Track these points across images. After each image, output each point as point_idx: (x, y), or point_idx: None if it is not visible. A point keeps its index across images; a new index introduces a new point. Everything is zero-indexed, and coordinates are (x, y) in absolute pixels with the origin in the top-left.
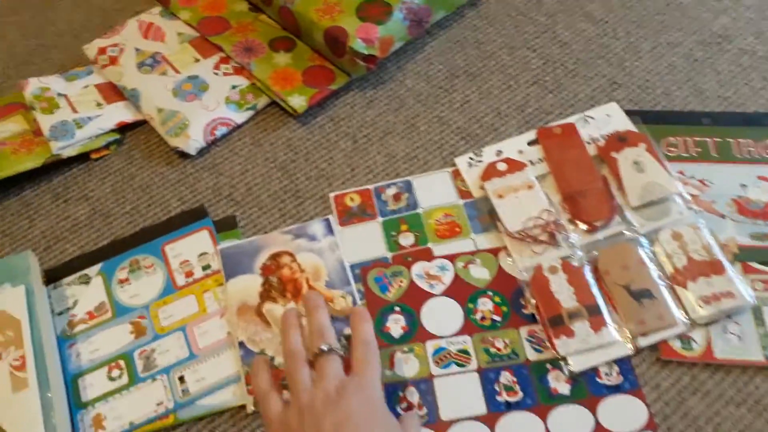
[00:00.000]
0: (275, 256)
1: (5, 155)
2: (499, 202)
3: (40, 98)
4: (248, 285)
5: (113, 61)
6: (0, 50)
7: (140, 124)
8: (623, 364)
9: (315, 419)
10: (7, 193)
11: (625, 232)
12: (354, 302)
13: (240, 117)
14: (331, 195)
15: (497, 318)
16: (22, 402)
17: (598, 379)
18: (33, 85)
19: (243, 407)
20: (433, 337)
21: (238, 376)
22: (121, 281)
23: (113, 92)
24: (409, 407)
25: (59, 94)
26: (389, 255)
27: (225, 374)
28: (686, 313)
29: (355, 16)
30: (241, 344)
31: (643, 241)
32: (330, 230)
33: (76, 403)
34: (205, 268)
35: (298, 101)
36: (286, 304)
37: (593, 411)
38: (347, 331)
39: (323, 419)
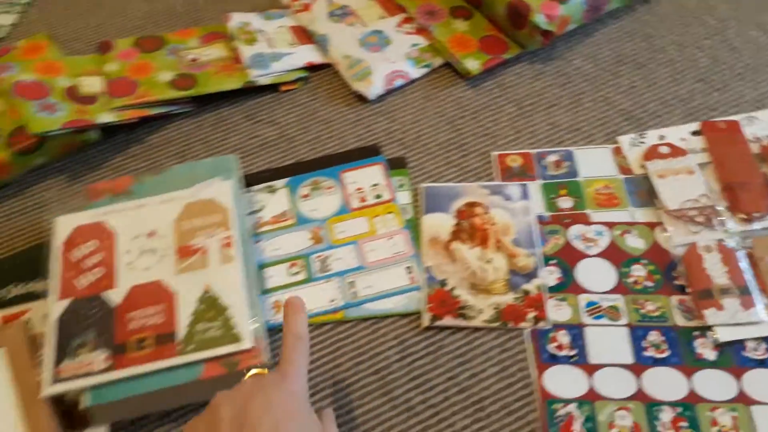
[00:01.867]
0: (471, 205)
1: (209, 74)
2: (660, 181)
3: (242, 31)
4: (442, 222)
5: (306, 7)
6: None
7: (325, 67)
8: None
9: (239, 406)
10: (206, 107)
11: None
12: (537, 265)
13: (416, 72)
14: (494, 153)
15: (649, 284)
16: (229, 272)
17: (744, 352)
18: (236, 19)
19: (405, 316)
20: (585, 291)
21: (404, 288)
22: (304, 196)
23: (303, 35)
24: (560, 348)
25: (258, 30)
26: (547, 214)
27: (390, 286)
28: None
29: None
30: (428, 269)
31: None
32: (525, 195)
33: (259, 290)
34: (377, 197)
35: (473, 64)
36: (472, 247)
37: (738, 378)
38: (524, 286)
39: (247, 405)
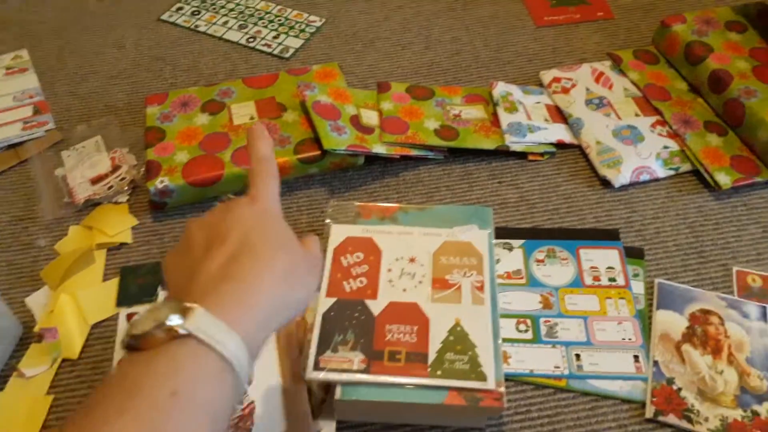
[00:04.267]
0: (706, 312)
1: (469, 131)
2: None
3: (504, 99)
4: (674, 321)
5: (565, 90)
6: (467, 52)
7: (572, 147)
8: None
9: (209, 226)
10: (456, 159)
11: None
12: None
13: (663, 172)
14: (735, 269)
15: None
16: (479, 312)
17: None
18: (500, 88)
19: (626, 402)
20: None
21: (630, 375)
22: (538, 261)
23: (558, 114)
24: None
25: (518, 101)
26: None
27: (615, 369)
28: None
29: None
30: (656, 363)
31: None
32: (764, 316)
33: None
34: (611, 279)
35: (724, 179)
36: (703, 354)
37: None
38: (755, 406)
39: (217, 224)
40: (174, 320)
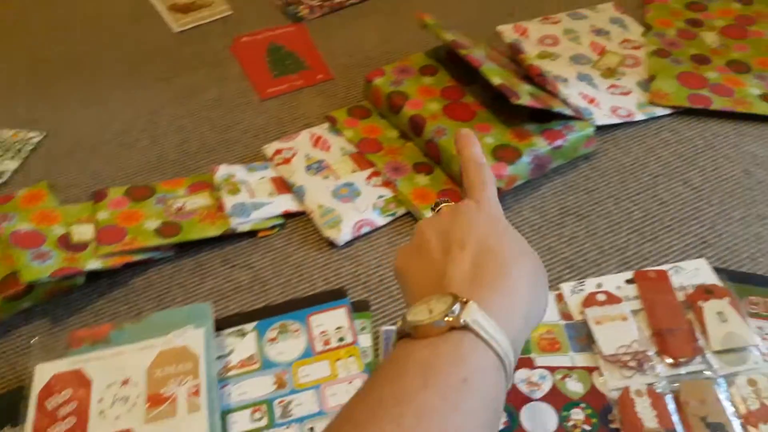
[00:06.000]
0: None
1: (193, 223)
2: (597, 327)
3: (227, 182)
4: None
5: (287, 161)
6: (194, 139)
7: (300, 215)
8: None
9: (442, 227)
10: (186, 252)
11: (705, 371)
12: None
13: (382, 220)
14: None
15: (587, 428)
16: (194, 422)
17: None
18: (222, 171)
19: None
20: None
21: None
22: (271, 340)
23: (283, 186)
24: None
25: (241, 181)
26: None
27: None
28: None
29: (491, 156)
30: None
31: (721, 381)
32: None
33: None
34: (340, 339)
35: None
36: None
37: None
38: None
39: (451, 227)
40: (456, 311)
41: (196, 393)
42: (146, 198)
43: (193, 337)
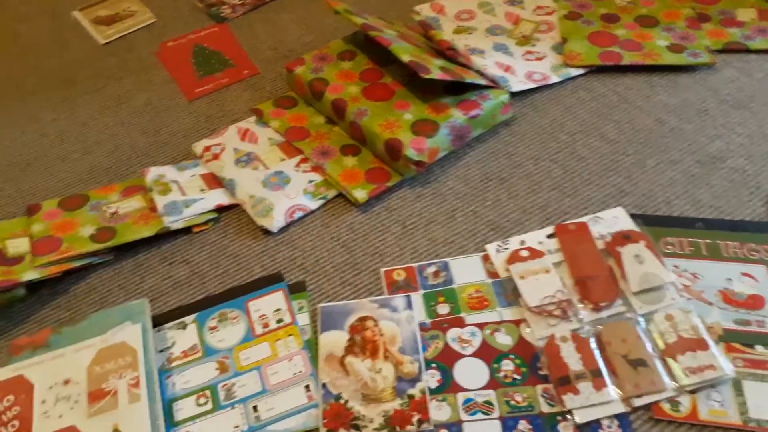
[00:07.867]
0: (362, 319)
1: (127, 225)
2: (522, 282)
3: (157, 183)
4: (337, 339)
5: (216, 156)
6: (125, 145)
7: (234, 207)
8: (623, 420)
9: None
10: (125, 255)
11: (625, 312)
12: (420, 369)
13: (313, 204)
14: (382, 270)
15: (517, 377)
16: (135, 411)
17: (600, 431)
18: (153, 173)
19: None
20: (463, 389)
21: (303, 407)
22: (211, 329)
23: (214, 181)
24: None
25: (172, 181)
26: (428, 321)
27: (290, 406)
28: (675, 380)
29: (410, 131)
30: (324, 385)
31: (641, 320)
32: (410, 305)
33: (170, 423)
34: (278, 321)
35: (360, 194)
36: (364, 359)
37: None
38: (410, 391)
39: None
40: None
41: (136, 385)
42: (80, 207)
43: (131, 333)
